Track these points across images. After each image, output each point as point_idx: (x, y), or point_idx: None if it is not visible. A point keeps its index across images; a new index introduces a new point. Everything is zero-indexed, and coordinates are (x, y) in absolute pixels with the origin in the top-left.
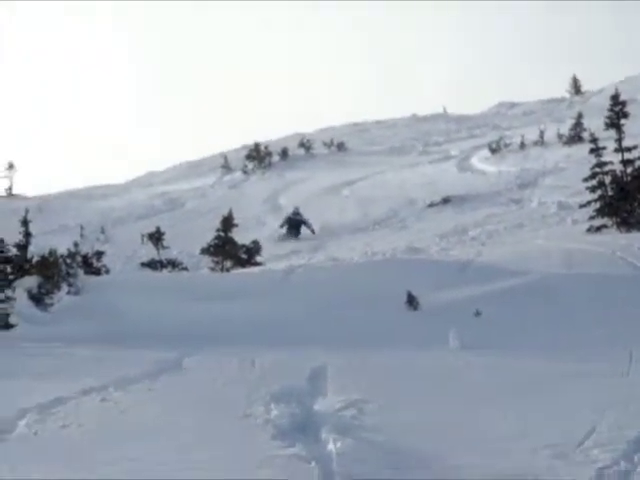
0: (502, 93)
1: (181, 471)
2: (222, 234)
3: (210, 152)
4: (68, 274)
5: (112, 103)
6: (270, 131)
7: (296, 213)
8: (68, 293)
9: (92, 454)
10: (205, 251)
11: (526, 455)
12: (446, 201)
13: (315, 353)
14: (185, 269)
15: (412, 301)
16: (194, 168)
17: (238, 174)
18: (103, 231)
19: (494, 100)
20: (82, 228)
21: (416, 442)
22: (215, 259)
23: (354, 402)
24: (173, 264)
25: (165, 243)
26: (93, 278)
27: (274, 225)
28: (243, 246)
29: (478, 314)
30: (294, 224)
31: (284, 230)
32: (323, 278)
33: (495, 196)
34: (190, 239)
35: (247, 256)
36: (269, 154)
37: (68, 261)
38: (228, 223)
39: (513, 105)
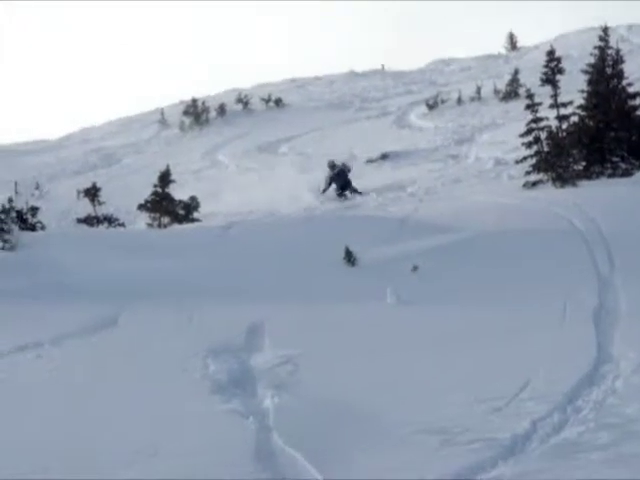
0: (439, 49)
1: (119, 428)
2: (159, 190)
3: (147, 107)
4: (2, 230)
5: (45, 55)
6: (207, 86)
7: (343, 170)
8: (2, 249)
9: (26, 410)
10: (142, 207)
11: (462, 409)
12: (384, 157)
13: (253, 308)
14: (122, 225)
15: (350, 257)
16: (130, 123)
17: (175, 130)
18: (38, 187)
19: (431, 56)
20: (16, 184)
21: (352, 397)
22: (152, 215)
23: (291, 357)
24: (109, 220)
25: (101, 199)
26: (28, 234)
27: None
28: (180, 202)
29: (415, 269)
30: (342, 184)
31: (330, 189)
32: (261, 233)
33: (433, 152)
34: (127, 195)
35: (185, 212)
36: (206, 110)
37: (2, 217)
38: (165, 179)
39: (450, 61)
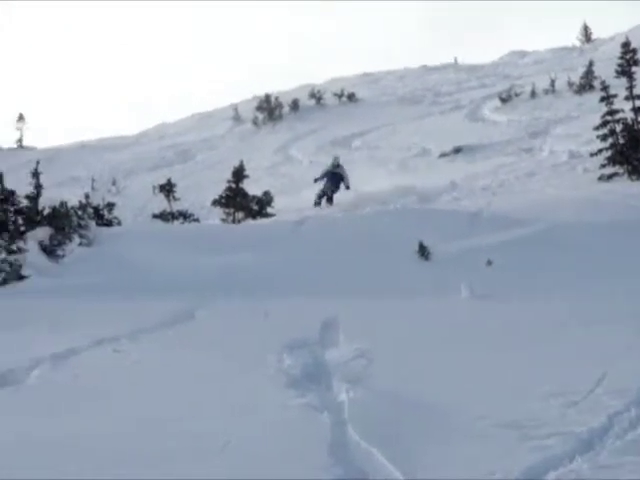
0: (513, 42)
1: (194, 421)
2: (233, 185)
3: (221, 104)
4: (79, 225)
5: (124, 54)
6: (281, 82)
7: (336, 165)
8: (80, 244)
9: (104, 404)
10: (216, 202)
11: (538, 403)
12: (457, 151)
13: (327, 303)
14: (196, 220)
15: (424, 251)
16: (205, 119)
17: (249, 125)
18: (114, 183)
19: (505, 49)
20: (93, 180)
21: (426, 391)
22: (226, 210)
23: (365, 351)
24: (184, 216)
25: (176, 195)
26: (105, 229)
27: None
28: (254, 197)
29: (489, 263)
30: (333, 178)
31: (321, 185)
32: (334, 228)
33: (506, 145)
34: (201, 191)
35: (258, 207)
36: (279, 105)
37: (79, 213)
38: (239, 174)
39: (524, 54)
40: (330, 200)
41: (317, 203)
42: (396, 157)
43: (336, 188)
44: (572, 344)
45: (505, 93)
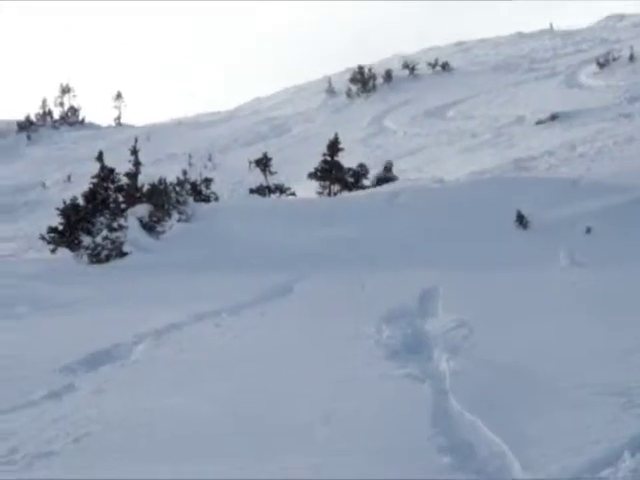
0: (610, 6)
1: (296, 394)
2: (328, 158)
3: (314, 76)
4: (178, 202)
5: (218, 30)
6: (374, 53)
7: (388, 169)
8: (179, 221)
9: (206, 379)
10: (312, 176)
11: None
12: (554, 118)
13: (424, 274)
14: (293, 194)
15: (521, 220)
16: (299, 92)
17: (342, 98)
18: (210, 158)
19: (602, 13)
20: (190, 156)
21: (527, 360)
22: (322, 183)
23: (465, 322)
24: (281, 190)
25: (272, 169)
26: (203, 205)
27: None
28: (350, 170)
29: (589, 231)
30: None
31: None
32: (430, 199)
33: (604, 111)
34: (297, 164)
35: (354, 180)
36: (373, 77)
37: (177, 189)
38: (334, 147)
39: (622, 17)
40: None
41: None
42: (491, 126)
43: None
44: None
45: (602, 58)
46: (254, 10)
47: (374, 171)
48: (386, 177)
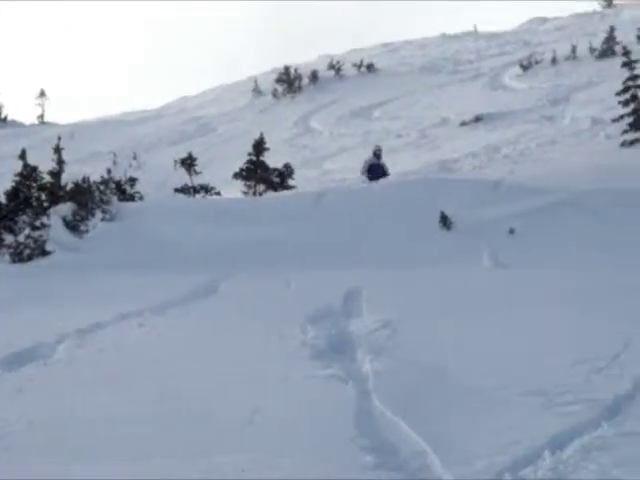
0: (533, 9)
1: (220, 393)
2: (254, 158)
3: (241, 76)
4: (102, 201)
5: (144, 28)
6: (300, 54)
7: (378, 155)
8: (102, 220)
9: (130, 378)
10: (237, 175)
11: (563, 370)
12: (478, 119)
13: (349, 273)
14: (218, 194)
15: (445, 220)
16: (225, 92)
17: (268, 98)
18: (135, 157)
19: (525, 16)
20: (115, 155)
21: (451, 361)
22: (247, 183)
23: (389, 322)
24: (206, 189)
25: (197, 168)
26: (127, 204)
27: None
28: (275, 170)
29: (512, 232)
30: (376, 173)
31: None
32: (355, 199)
33: (527, 113)
34: (222, 164)
35: (279, 180)
36: (299, 77)
37: (102, 188)
38: (259, 147)
39: (544, 20)
40: None
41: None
42: (416, 127)
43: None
44: (596, 311)
45: (526, 60)
46: (182, 9)
47: (300, 171)
48: (378, 165)
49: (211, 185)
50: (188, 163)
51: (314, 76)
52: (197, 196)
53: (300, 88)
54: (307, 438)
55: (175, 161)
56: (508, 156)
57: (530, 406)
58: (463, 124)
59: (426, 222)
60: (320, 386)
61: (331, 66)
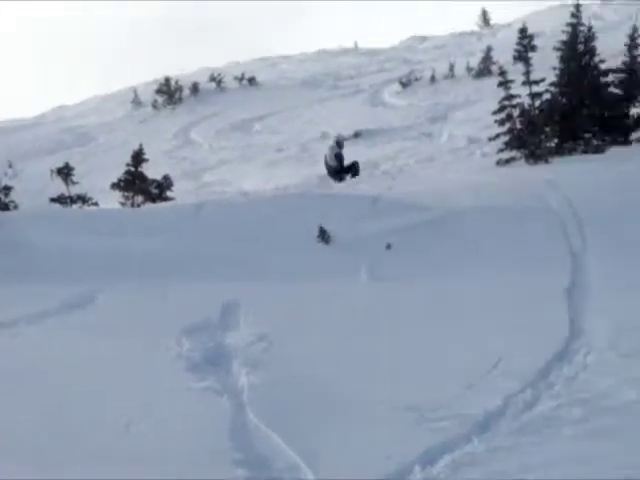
0: (413, 27)
1: (94, 405)
2: (132, 169)
3: (120, 86)
4: None
5: (20, 36)
6: (181, 65)
7: (340, 144)
8: None
9: (5, 391)
10: (115, 186)
11: (435, 386)
12: (357, 135)
13: (227, 286)
14: (95, 204)
15: (323, 235)
16: (104, 102)
17: (148, 109)
18: (11, 166)
19: (405, 34)
20: None
21: (326, 375)
22: (125, 194)
23: (265, 335)
24: (83, 199)
25: (75, 178)
26: (1, 214)
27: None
28: (154, 181)
29: (389, 247)
30: (340, 161)
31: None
32: (234, 212)
33: (406, 130)
34: (101, 174)
35: (158, 191)
36: (180, 88)
37: None
38: (138, 158)
39: (424, 39)
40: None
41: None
42: (297, 141)
43: (341, 178)
44: (468, 327)
45: (405, 78)
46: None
47: (179, 183)
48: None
49: (89, 195)
50: (65, 172)
51: (195, 88)
52: (74, 206)
53: (181, 100)
54: (180, 450)
55: (51, 170)
56: (387, 172)
57: (403, 421)
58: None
59: (305, 236)
60: (195, 399)
61: (212, 78)
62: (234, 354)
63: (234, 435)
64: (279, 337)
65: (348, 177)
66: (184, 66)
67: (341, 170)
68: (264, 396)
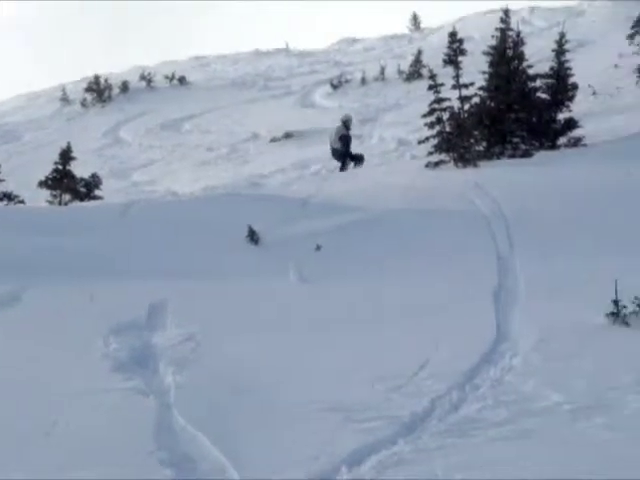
0: (345, 29)
1: (17, 405)
2: (60, 167)
3: (49, 84)
4: None
5: None
6: (111, 64)
7: (347, 125)
8: None
9: None
10: (43, 184)
11: (363, 387)
12: (288, 136)
13: (155, 285)
14: (22, 202)
15: (253, 235)
16: (32, 100)
17: (77, 107)
18: None
19: (337, 36)
20: None
21: (254, 375)
22: (53, 192)
23: (193, 335)
24: (9, 197)
25: (1, 176)
26: None
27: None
28: (82, 179)
29: (318, 248)
30: (346, 142)
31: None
32: (163, 212)
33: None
34: (28, 172)
35: (86, 190)
36: (109, 87)
37: None
38: (66, 156)
39: (355, 41)
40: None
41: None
42: (227, 141)
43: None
44: (397, 328)
45: (336, 79)
46: None
47: (108, 181)
48: (347, 136)
49: (15, 193)
50: None
51: (125, 86)
52: (0, 204)
53: (110, 98)
54: (105, 451)
55: None
56: (317, 173)
57: (330, 422)
58: (273, 140)
59: (234, 236)
60: (120, 399)
61: (142, 77)
62: (161, 354)
63: (160, 436)
64: (207, 337)
65: (351, 165)
66: (116, 65)
67: (346, 154)
68: (191, 396)
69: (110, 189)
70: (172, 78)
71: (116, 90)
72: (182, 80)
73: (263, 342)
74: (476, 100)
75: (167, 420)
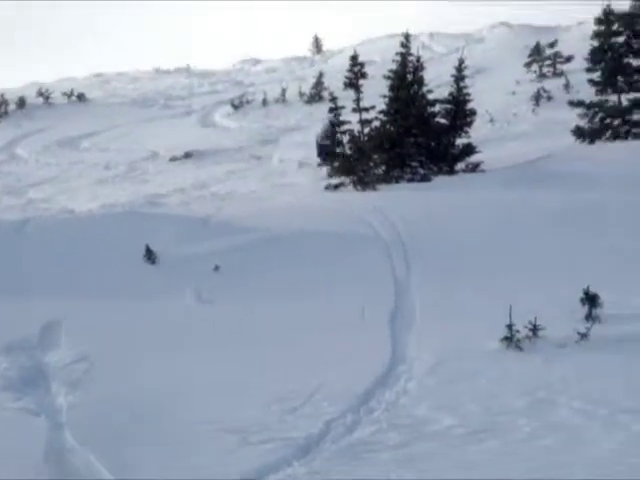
0: (246, 49)
1: None
2: None
3: None
4: None
5: None
6: (8, 80)
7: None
8: None
9: None
10: None
11: (259, 408)
12: (188, 156)
13: (49, 306)
14: None
15: (150, 255)
16: None
17: None
18: None
19: (239, 56)
20: None
21: (149, 396)
22: None
23: (87, 355)
24: None
25: None
26: None
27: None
28: None
29: (217, 269)
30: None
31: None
32: (60, 230)
33: (236, 152)
34: None
35: None
36: (5, 102)
37: None
38: None
39: (257, 62)
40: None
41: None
42: (126, 160)
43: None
44: (294, 350)
45: (237, 100)
46: None
47: (2, 198)
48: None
49: None
50: None
51: (22, 102)
52: None
53: (6, 113)
54: None
55: None
56: (216, 194)
57: (226, 443)
58: (173, 159)
59: (131, 256)
60: (10, 419)
61: (40, 93)
62: (53, 374)
63: (49, 455)
64: (100, 356)
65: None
66: (12, 80)
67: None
68: (83, 416)
69: (5, 206)
70: (71, 95)
71: (12, 106)
72: (81, 97)
73: (159, 363)
74: (376, 124)
75: (57, 439)
